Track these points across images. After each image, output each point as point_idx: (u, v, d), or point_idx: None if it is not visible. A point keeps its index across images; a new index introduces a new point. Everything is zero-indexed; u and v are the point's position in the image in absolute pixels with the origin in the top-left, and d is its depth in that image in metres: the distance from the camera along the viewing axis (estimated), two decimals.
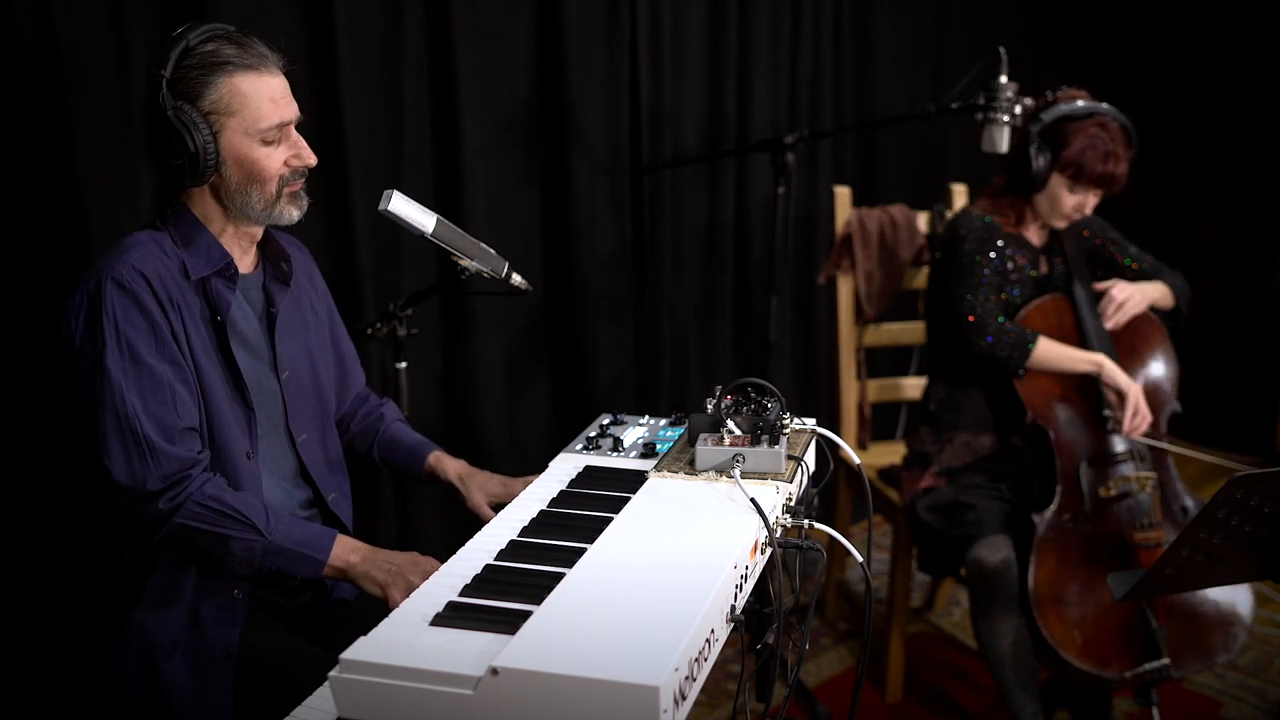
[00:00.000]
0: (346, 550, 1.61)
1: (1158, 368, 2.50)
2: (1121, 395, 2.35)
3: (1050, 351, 2.38)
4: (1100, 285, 2.52)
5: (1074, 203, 2.44)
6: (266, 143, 1.61)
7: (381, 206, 1.72)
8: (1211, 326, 4.33)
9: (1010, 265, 2.49)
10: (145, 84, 1.57)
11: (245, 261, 1.71)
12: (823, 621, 3.12)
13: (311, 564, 1.59)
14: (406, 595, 1.36)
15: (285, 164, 1.63)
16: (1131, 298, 2.50)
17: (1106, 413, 2.37)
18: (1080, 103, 2.42)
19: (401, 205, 1.74)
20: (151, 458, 1.51)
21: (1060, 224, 2.50)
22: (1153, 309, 2.56)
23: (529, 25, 2.79)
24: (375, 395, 2.03)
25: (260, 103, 1.59)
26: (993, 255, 2.47)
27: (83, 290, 1.55)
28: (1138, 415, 2.34)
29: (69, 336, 1.55)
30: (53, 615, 2.09)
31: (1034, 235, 2.56)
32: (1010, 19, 4.06)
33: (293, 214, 1.66)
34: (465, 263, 1.84)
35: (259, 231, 1.71)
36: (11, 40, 1.96)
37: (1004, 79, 2.36)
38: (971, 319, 2.43)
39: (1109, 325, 2.48)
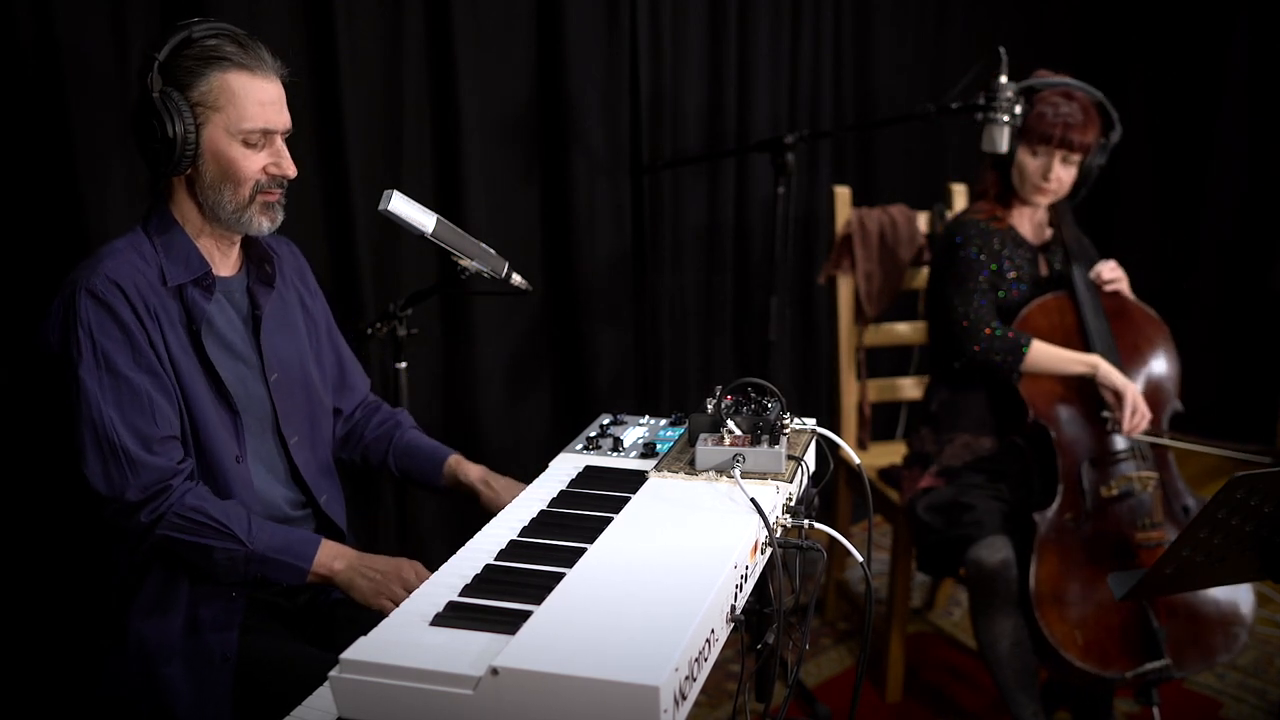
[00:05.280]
0: (330, 557, 1.61)
1: (1159, 366, 2.50)
2: (1119, 395, 2.35)
3: (1044, 354, 2.38)
4: (1092, 273, 2.53)
5: (1037, 167, 2.45)
6: (248, 144, 1.60)
7: (381, 206, 1.72)
8: (1212, 326, 4.33)
9: (1008, 264, 2.49)
10: (138, 65, 1.57)
11: (227, 263, 1.70)
12: (823, 621, 3.12)
13: (294, 571, 1.59)
14: (395, 603, 1.36)
15: (264, 170, 1.62)
16: (1122, 282, 2.53)
17: (1105, 414, 2.37)
18: (1054, 78, 2.47)
19: (401, 205, 1.74)
20: (130, 469, 1.51)
21: (1038, 198, 2.50)
22: None
23: (529, 25, 2.79)
24: (387, 404, 2.01)
25: (248, 103, 1.58)
26: (984, 257, 2.48)
27: (59, 300, 1.55)
28: (1136, 414, 2.33)
29: (45, 346, 1.55)
30: (53, 618, 2.08)
31: (1030, 232, 2.56)
32: (1010, 19, 4.06)
33: (263, 225, 1.64)
34: (465, 263, 1.84)
35: (238, 233, 1.69)
36: (11, 40, 1.96)
37: (1004, 79, 2.36)
38: (965, 325, 2.44)
39: (1109, 289, 2.49)
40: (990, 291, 2.47)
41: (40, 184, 2.03)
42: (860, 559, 1.39)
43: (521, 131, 2.82)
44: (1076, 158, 2.45)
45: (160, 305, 1.58)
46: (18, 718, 2.07)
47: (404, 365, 2.21)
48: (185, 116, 1.55)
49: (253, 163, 1.61)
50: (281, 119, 1.63)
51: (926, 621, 3.15)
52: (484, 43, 2.67)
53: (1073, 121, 2.40)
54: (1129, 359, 2.47)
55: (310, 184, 2.41)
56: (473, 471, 1.86)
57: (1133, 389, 2.34)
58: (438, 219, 1.78)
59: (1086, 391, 2.39)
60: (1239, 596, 2.30)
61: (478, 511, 1.82)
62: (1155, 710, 2.27)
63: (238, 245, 1.71)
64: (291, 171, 1.65)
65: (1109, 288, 2.50)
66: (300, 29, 2.36)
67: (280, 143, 1.64)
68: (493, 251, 1.87)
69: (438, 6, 2.57)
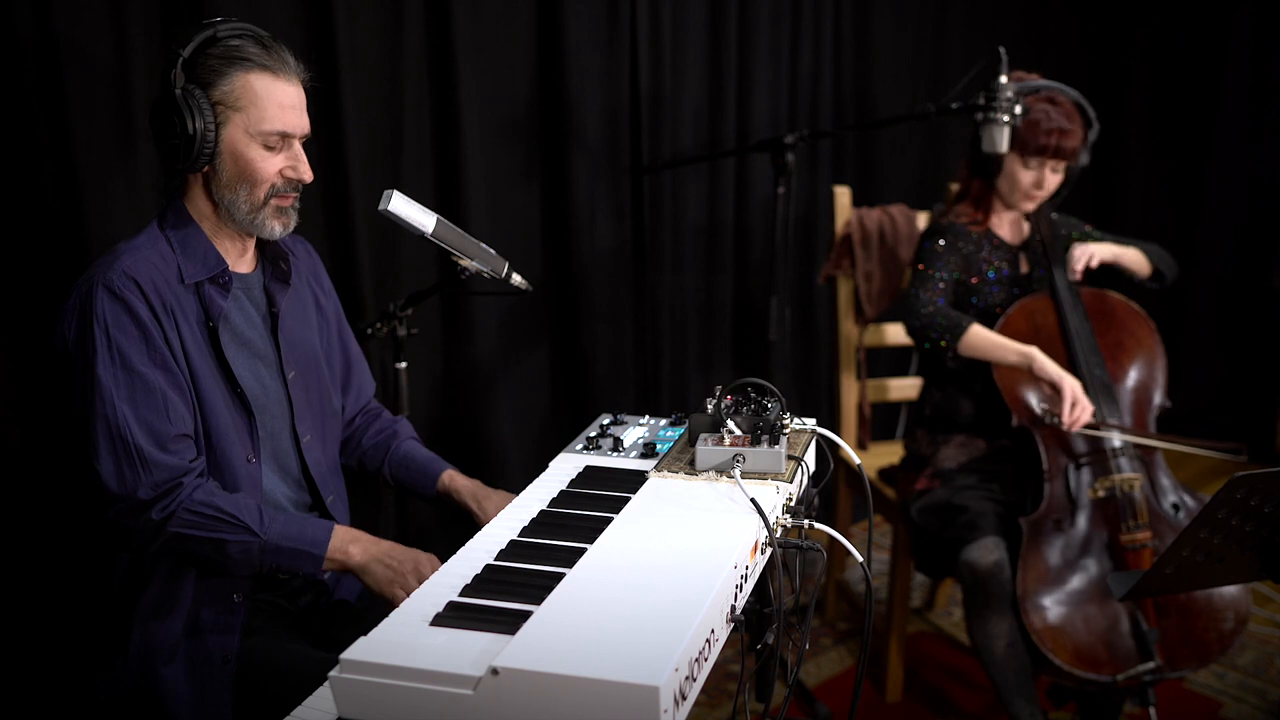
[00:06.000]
0: (345, 542, 1.60)
1: (1144, 363, 2.49)
2: (1057, 388, 2.30)
3: (982, 339, 2.39)
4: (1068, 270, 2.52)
5: (1030, 178, 2.47)
6: (267, 147, 1.60)
7: (381, 206, 1.72)
8: (1211, 326, 4.33)
9: (986, 266, 2.50)
10: (161, 61, 1.57)
11: (244, 261, 1.70)
12: (823, 621, 3.12)
13: (310, 559, 1.59)
14: (407, 594, 1.36)
15: (280, 173, 1.62)
16: (1094, 253, 2.49)
17: (1043, 406, 2.34)
18: (1033, 81, 2.46)
19: (401, 205, 1.74)
20: (143, 466, 1.50)
21: (1026, 205, 2.52)
22: (1132, 275, 2.58)
23: (529, 25, 2.79)
24: (388, 412, 2.01)
25: (269, 105, 1.59)
26: (943, 244, 2.51)
27: (76, 296, 1.55)
28: (1076, 407, 2.28)
29: (61, 343, 1.55)
30: (55, 621, 2.09)
31: (1008, 232, 2.57)
32: (1010, 19, 4.06)
33: (275, 228, 1.65)
34: (465, 263, 1.84)
35: (252, 235, 1.70)
36: (11, 39, 1.96)
37: (1004, 79, 2.36)
38: (913, 298, 2.48)
39: (1078, 267, 2.47)
40: (949, 277, 2.50)
41: (40, 184, 2.03)
42: (860, 559, 1.39)
43: (521, 131, 2.82)
44: (1065, 164, 2.47)
45: (177, 302, 1.58)
46: (18, 717, 2.07)
47: (404, 365, 2.21)
48: (206, 114, 1.55)
49: (270, 165, 1.61)
50: (301, 123, 1.64)
51: (926, 621, 3.15)
52: (484, 43, 2.67)
53: (1065, 128, 2.42)
54: (1112, 357, 2.46)
55: (310, 183, 2.40)
56: (464, 487, 1.86)
57: (1071, 381, 2.30)
58: (438, 219, 1.78)
59: None
60: (1233, 596, 2.30)
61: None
62: (1151, 710, 2.27)
63: (253, 243, 1.72)
64: (308, 176, 1.66)
65: (1081, 261, 2.47)
66: (300, 29, 2.36)
67: (298, 147, 1.65)
68: (493, 251, 1.87)
69: (438, 6, 2.57)
